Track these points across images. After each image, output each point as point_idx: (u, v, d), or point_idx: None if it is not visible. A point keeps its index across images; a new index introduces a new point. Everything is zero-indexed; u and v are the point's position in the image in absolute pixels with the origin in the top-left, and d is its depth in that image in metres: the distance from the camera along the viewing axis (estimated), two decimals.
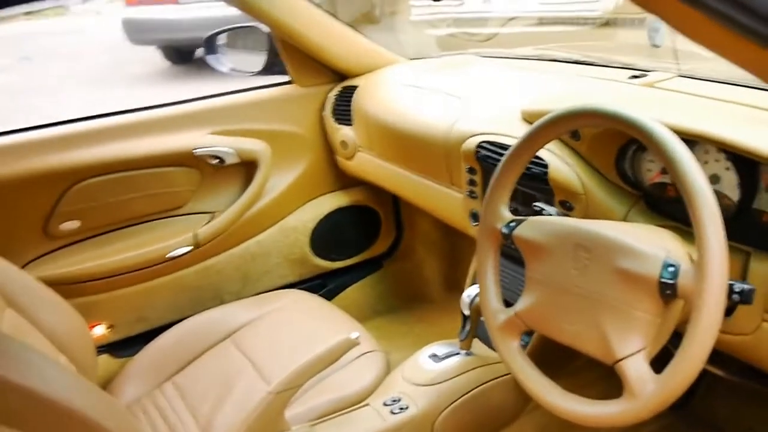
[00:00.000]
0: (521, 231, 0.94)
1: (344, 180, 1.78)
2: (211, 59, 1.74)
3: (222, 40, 1.76)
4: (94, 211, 1.48)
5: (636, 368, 0.78)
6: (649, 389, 0.75)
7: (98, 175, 1.45)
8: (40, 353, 1.00)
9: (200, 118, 1.57)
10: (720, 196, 0.94)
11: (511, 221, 0.96)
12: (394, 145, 1.53)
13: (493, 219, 0.97)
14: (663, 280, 0.76)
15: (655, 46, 1.33)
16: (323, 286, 1.82)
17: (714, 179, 0.95)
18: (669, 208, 1.01)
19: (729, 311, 0.86)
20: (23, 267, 1.41)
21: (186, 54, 6.69)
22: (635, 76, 1.25)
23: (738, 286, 0.76)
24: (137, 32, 6.18)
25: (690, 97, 1.10)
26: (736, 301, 0.76)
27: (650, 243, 0.81)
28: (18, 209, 1.39)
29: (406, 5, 5.22)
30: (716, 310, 0.71)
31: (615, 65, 1.37)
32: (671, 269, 0.76)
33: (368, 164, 1.65)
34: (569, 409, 0.83)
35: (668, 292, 0.76)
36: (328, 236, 1.79)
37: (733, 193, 0.93)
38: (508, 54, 1.65)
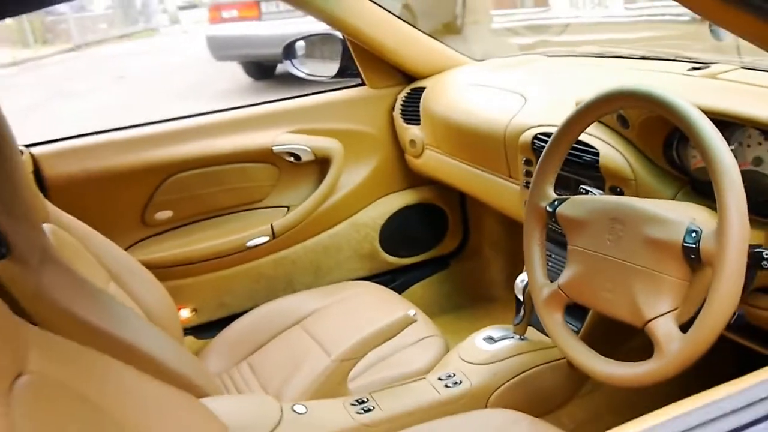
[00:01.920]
0: (563, 209, 0.99)
1: (413, 178, 1.86)
2: (289, 65, 1.86)
3: (300, 49, 1.89)
4: (184, 202, 1.62)
5: (664, 328, 0.82)
6: (675, 347, 0.80)
7: (188, 170, 1.59)
8: (137, 315, 1.13)
9: (279, 118, 1.69)
10: (762, 177, 0.96)
11: (555, 200, 1.01)
12: (458, 141, 1.60)
13: (538, 198, 1.03)
14: (686, 244, 0.81)
15: (719, 39, 1.34)
16: (391, 281, 1.90)
17: (757, 161, 0.97)
18: (713, 191, 1.04)
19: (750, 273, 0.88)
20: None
21: (267, 69, 6.93)
22: (695, 68, 1.26)
23: (767, 252, 0.79)
24: (220, 49, 6.50)
25: (747, 86, 1.11)
26: (765, 266, 0.79)
27: (676, 212, 0.85)
28: (121, 199, 1.55)
29: (487, 14, 5.27)
30: (737, 271, 0.74)
31: (678, 59, 1.39)
32: (694, 235, 0.81)
33: (435, 161, 1.72)
34: (604, 371, 0.89)
35: (692, 256, 0.81)
36: (396, 233, 1.87)
37: None
38: (572, 52, 1.69)
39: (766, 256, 0.82)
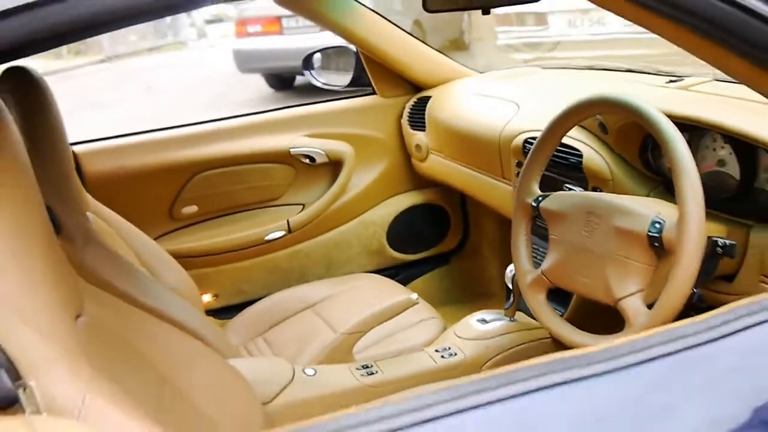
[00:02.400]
0: (546, 203, 1.13)
1: (418, 181, 2.00)
2: (307, 75, 2.03)
3: (318, 61, 2.05)
4: (208, 198, 1.78)
5: (633, 305, 0.95)
6: (642, 321, 0.93)
7: (212, 169, 1.76)
8: (164, 287, 1.28)
9: (296, 123, 1.85)
10: (726, 176, 1.08)
11: (539, 196, 1.15)
12: (459, 146, 1.74)
13: (524, 194, 1.17)
14: (650, 233, 0.94)
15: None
16: (396, 275, 2.03)
17: (721, 163, 1.09)
18: None
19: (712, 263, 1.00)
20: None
21: (287, 81, 7.20)
22: (672, 81, 1.40)
23: (722, 242, 0.92)
24: (245, 61, 6.75)
25: (716, 96, 1.24)
26: (720, 253, 0.92)
27: (643, 206, 0.98)
28: (152, 194, 1.72)
29: (492, 31, 5.42)
30: (693, 257, 0.87)
31: (660, 73, 1.52)
32: (658, 225, 0.94)
33: (438, 165, 1.87)
34: (583, 342, 1.01)
35: (656, 244, 0.93)
36: (402, 231, 2.01)
37: (737, 175, 1.07)
38: (565, 65, 1.83)
39: (720, 245, 0.94)
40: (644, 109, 0.97)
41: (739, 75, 0.75)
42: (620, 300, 0.97)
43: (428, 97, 1.89)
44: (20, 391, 0.66)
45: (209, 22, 17.40)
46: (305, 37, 6.07)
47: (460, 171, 1.77)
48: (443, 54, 1.95)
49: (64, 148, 1.15)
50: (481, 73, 1.97)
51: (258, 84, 7.30)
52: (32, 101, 1.04)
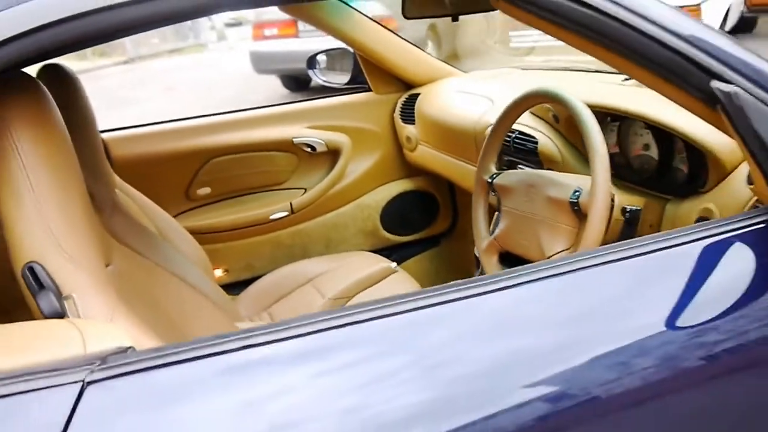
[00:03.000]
0: (499, 179, 1.34)
1: (409, 169, 2.22)
2: (311, 73, 2.26)
3: (321, 61, 2.28)
4: (221, 181, 2.01)
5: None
6: None
7: (225, 155, 1.98)
8: (180, 255, 1.50)
9: (299, 116, 2.08)
10: (649, 159, 1.29)
11: (494, 174, 1.36)
12: (442, 137, 1.95)
13: (482, 172, 1.38)
14: (571, 200, 1.14)
15: None
16: (388, 256, 2.24)
17: (646, 147, 1.30)
18: (621, 171, 1.37)
19: (630, 228, 1.20)
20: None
21: (302, 82, 7.42)
22: (627, 79, 1.60)
23: (629, 208, 1.13)
24: (261, 63, 7.02)
25: (650, 92, 1.44)
26: (627, 218, 1.12)
27: (569, 179, 1.19)
28: (171, 177, 1.95)
29: (506, 35, 5.62)
30: (600, 217, 1.08)
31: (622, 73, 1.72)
32: (577, 193, 1.15)
33: (426, 154, 2.08)
34: None
35: (576, 208, 1.14)
36: (395, 214, 2.23)
37: (657, 157, 1.28)
38: (542, 67, 2.03)
39: (628, 211, 1.15)
40: (569, 100, 1.17)
41: (645, 83, 0.95)
42: (550, 258, 1.17)
43: (418, 94, 2.11)
44: (65, 302, 0.87)
45: (229, 25, 17.75)
46: (320, 40, 6.22)
47: (444, 159, 1.99)
48: (445, 62, 2.16)
49: (95, 135, 1.34)
50: (466, 72, 2.18)
51: (275, 86, 7.55)
52: (67, 94, 1.20)
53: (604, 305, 0.76)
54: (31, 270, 0.84)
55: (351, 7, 2.00)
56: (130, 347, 0.68)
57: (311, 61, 2.26)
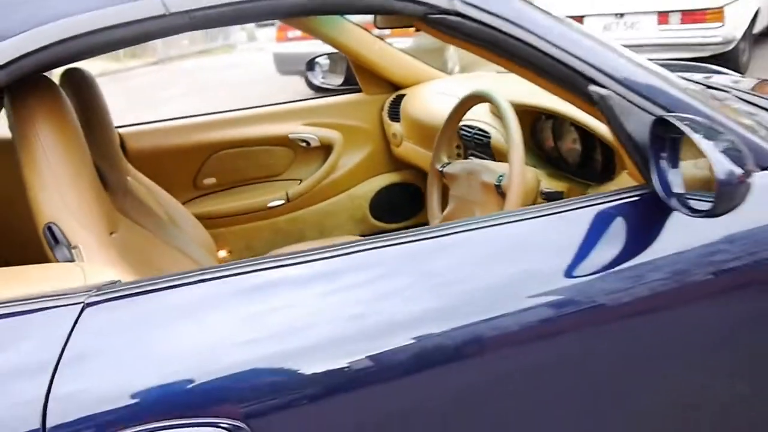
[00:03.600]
0: (448, 168, 1.55)
1: (395, 163, 2.43)
2: (309, 75, 2.49)
3: (317, 65, 2.52)
4: (224, 172, 2.26)
5: None
6: None
7: (228, 149, 2.23)
8: (186, 236, 1.73)
9: (295, 113, 2.31)
10: (576, 151, 1.49)
11: (444, 163, 1.58)
12: (423, 134, 2.16)
13: (435, 162, 1.60)
14: (496, 184, 1.35)
15: None
16: None
17: (574, 141, 1.50)
18: (555, 162, 1.57)
19: None
20: None
21: None
22: None
23: (546, 189, 1.33)
24: (284, 64, 7.28)
25: None
26: (544, 198, 1.33)
27: (497, 166, 1.40)
28: (179, 167, 2.20)
29: None
30: (516, 198, 1.28)
31: None
32: (500, 178, 1.35)
33: (410, 150, 2.29)
34: None
35: (500, 191, 1.35)
36: (383, 204, 2.45)
37: (580, 149, 1.48)
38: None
39: (545, 192, 1.36)
40: (496, 99, 1.38)
41: (547, 89, 1.14)
42: None
43: (403, 95, 2.32)
44: (73, 251, 1.11)
45: (259, 25, 18.11)
46: None
47: (425, 155, 2.19)
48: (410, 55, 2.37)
49: (110, 129, 1.56)
50: (449, 75, 2.38)
51: (300, 86, 7.80)
52: (87, 94, 1.42)
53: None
54: (50, 229, 1.08)
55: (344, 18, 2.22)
56: (118, 281, 0.91)
57: (309, 65, 2.50)
